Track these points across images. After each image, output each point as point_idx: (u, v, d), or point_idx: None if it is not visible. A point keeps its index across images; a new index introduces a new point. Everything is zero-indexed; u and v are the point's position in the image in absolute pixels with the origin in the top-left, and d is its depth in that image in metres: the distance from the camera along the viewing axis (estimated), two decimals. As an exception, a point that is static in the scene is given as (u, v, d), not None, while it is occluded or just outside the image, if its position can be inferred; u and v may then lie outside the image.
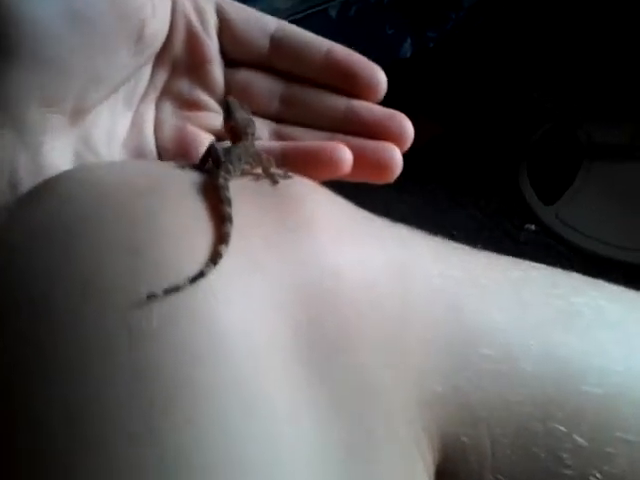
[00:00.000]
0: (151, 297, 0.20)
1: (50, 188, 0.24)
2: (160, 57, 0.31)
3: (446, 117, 1.22)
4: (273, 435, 0.21)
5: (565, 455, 0.25)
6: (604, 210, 1.11)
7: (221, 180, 0.25)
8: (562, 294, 0.28)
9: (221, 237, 0.23)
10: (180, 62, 0.31)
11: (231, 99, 0.30)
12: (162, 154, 0.30)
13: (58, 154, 0.27)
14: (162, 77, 0.31)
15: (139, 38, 0.28)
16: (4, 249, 0.23)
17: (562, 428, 0.25)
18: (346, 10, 1.02)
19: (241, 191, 0.25)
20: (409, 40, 1.12)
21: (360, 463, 0.22)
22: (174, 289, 0.21)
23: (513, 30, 1.25)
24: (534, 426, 0.25)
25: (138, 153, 0.30)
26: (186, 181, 0.25)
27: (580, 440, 0.25)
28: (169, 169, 0.26)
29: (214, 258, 0.22)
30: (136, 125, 0.30)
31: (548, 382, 0.26)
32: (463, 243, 0.30)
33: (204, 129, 0.31)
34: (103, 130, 0.29)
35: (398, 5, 1.07)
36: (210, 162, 0.27)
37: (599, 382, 0.26)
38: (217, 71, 0.31)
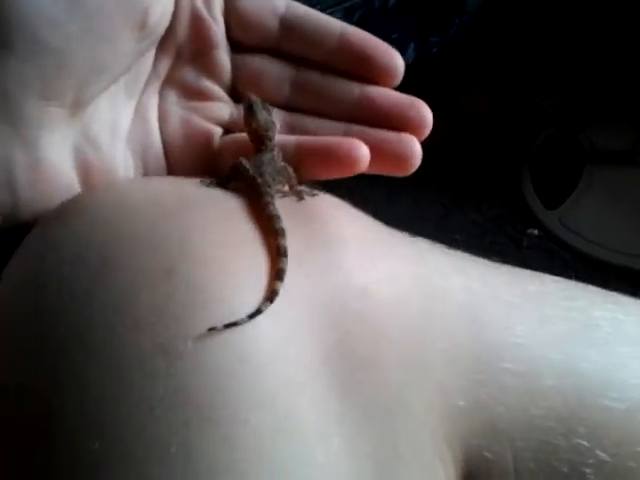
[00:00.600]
0: (212, 330, 0.21)
1: (78, 211, 0.24)
2: (163, 43, 0.29)
3: (449, 121, 1.22)
4: (306, 454, 0.21)
5: (588, 470, 0.25)
6: (607, 215, 1.11)
7: (272, 208, 0.25)
8: (580, 307, 0.28)
9: (277, 273, 0.23)
10: (184, 48, 0.29)
11: (254, 98, 0.29)
12: (167, 148, 0.29)
13: (56, 148, 0.26)
14: (165, 64, 0.29)
15: (142, 24, 0.26)
16: (37, 273, 0.23)
17: (585, 443, 0.25)
18: (350, 15, 1.02)
19: None
20: (412, 45, 1.12)
21: (387, 478, 0.22)
22: (233, 324, 0.21)
23: (516, 35, 1.25)
24: (556, 440, 0.25)
25: (142, 146, 0.29)
26: (220, 201, 0.26)
27: (603, 455, 0.25)
28: (196, 188, 0.26)
29: (271, 296, 0.22)
30: (139, 116, 0.29)
31: (570, 396, 0.26)
32: (466, 248, 0.30)
33: (211, 121, 0.29)
34: (104, 122, 0.28)
35: (402, 10, 1.07)
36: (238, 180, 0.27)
37: (620, 396, 0.26)
38: (224, 57, 0.30)
